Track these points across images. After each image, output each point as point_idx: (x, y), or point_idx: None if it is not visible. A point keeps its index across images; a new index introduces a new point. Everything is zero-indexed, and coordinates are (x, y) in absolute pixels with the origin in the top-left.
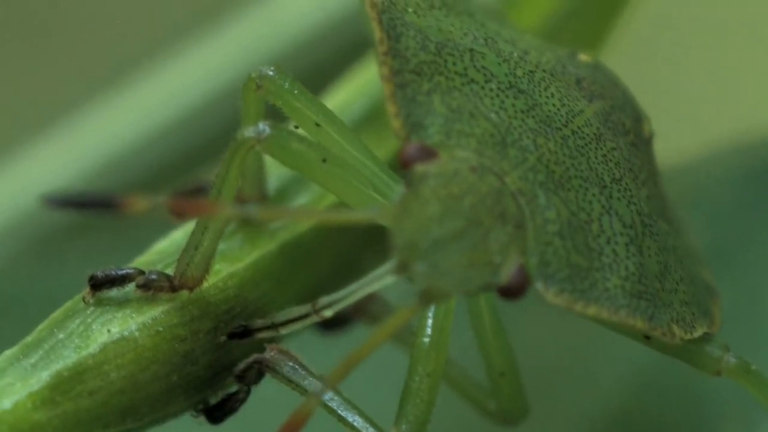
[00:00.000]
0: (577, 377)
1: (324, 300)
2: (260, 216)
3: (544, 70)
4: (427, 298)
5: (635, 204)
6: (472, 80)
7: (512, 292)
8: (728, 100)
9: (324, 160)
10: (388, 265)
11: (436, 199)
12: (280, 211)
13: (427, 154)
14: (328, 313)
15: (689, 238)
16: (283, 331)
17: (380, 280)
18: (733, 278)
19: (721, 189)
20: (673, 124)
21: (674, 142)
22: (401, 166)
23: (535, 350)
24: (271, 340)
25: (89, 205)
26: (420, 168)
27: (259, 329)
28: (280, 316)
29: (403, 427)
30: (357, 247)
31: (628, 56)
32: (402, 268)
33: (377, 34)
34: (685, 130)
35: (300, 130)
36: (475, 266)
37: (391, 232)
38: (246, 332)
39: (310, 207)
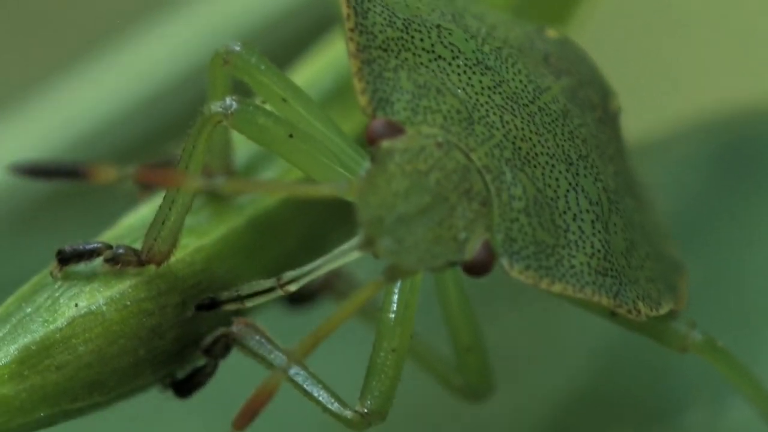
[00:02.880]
0: (544, 355)
1: (289, 275)
2: (227, 188)
3: (511, 46)
4: (392, 274)
5: (602, 181)
6: (440, 56)
7: (477, 268)
8: (698, 76)
9: (291, 136)
10: (353, 241)
11: (401, 175)
12: (247, 184)
13: (394, 130)
14: (292, 288)
15: (656, 213)
16: (249, 303)
17: (345, 255)
18: (702, 256)
19: (691, 166)
20: (643, 100)
21: (643, 117)
22: (368, 142)
23: (502, 328)
24: (238, 314)
25: (57, 174)
26: (386, 144)
27: (226, 301)
28: (246, 289)
29: (368, 402)
30: (325, 222)
31: (597, 31)
32: (367, 244)
33: (344, 9)
34: (654, 106)
35: (267, 106)
36: (441, 242)
37: (356, 207)
38: (213, 304)
39: (277, 180)
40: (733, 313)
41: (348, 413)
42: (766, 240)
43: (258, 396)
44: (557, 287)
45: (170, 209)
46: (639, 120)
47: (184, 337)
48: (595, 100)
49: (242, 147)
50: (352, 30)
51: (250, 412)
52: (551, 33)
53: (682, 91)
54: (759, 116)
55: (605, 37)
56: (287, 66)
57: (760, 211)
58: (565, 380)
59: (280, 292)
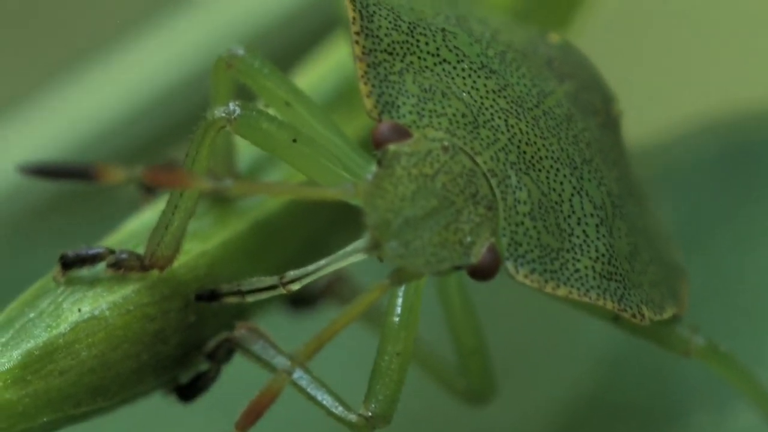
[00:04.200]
0: (549, 361)
1: (292, 274)
2: (235, 189)
3: (515, 50)
4: (398, 277)
5: (605, 185)
6: (444, 60)
7: (483, 272)
8: (700, 78)
9: (294, 140)
10: (359, 243)
11: (408, 178)
12: (255, 186)
13: (401, 133)
14: (294, 287)
15: (657, 218)
16: (250, 298)
17: (349, 257)
18: (706, 258)
19: (694, 168)
20: (645, 103)
21: (646, 121)
22: (374, 145)
23: (506, 334)
24: (241, 317)
25: (66, 174)
26: (393, 147)
27: (226, 294)
28: (248, 284)
29: (373, 405)
30: (327, 227)
31: (598, 35)
32: (374, 247)
33: (350, 13)
34: (656, 109)
35: (270, 110)
36: (447, 246)
37: (363, 210)
38: (213, 295)
39: (285, 182)
40: (736, 315)
41: (352, 417)
42: None
43: (262, 398)
44: (562, 291)
45: (173, 214)
46: (641, 123)
47: (187, 342)
48: (598, 105)
49: (245, 151)
50: (357, 33)
51: (253, 414)
52: (553, 37)
53: (683, 95)
54: (762, 119)
55: (605, 40)
56: (291, 70)
57: (764, 214)
58: (570, 386)
59: (282, 291)
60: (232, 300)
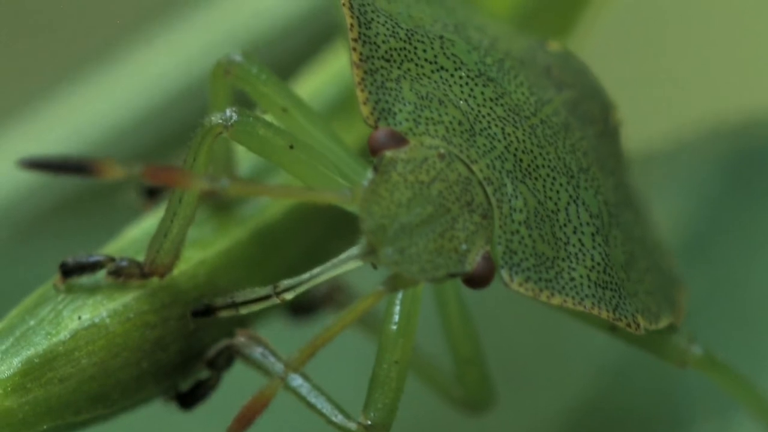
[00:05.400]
0: (549, 369)
1: (286, 282)
2: (231, 190)
3: (513, 58)
4: (393, 284)
5: (602, 194)
6: (442, 67)
7: (478, 280)
8: (704, 85)
9: (291, 147)
10: (353, 250)
11: (404, 185)
12: (251, 186)
13: (397, 140)
14: (288, 296)
15: (655, 227)
16: (243, 310)
17: (345, 264)
18: (709, 266)
19: (698, 175)
20: (648, 110)
21: (647, 129)
22: (371, 152)
23: (508, 342)
24: (241, 324)
25: (65, 169)
26: (389, 154)
27: (221, 307)
28: (241, 296)
29: (372, 414)
30: (327, 236)
31: (600, 43)
32: (369, 253)
33: (348, 20)
34: (659, 116)
35: (268, 116)
36: (442, 253)
37: (359, 216)
38: (208, 310)
39: (281, 184)
40: (740, 324)
41: (352, 425)
42: None
43: (254, 403)
44: (557, 300)
45: (172, 221)
46: (642, 131)
47: (187, 350)
48: (596, 114)
49: (245, 160)
50: (355, 40)
51: (245, 420)
52: (553, 45)
53: (687, 101)
54: (764, 125)
55: (608, 47)
56: (291, 78)
57: (767, 220)
58: (572, 394)
59: (276, 300)
60: (227, 313)
